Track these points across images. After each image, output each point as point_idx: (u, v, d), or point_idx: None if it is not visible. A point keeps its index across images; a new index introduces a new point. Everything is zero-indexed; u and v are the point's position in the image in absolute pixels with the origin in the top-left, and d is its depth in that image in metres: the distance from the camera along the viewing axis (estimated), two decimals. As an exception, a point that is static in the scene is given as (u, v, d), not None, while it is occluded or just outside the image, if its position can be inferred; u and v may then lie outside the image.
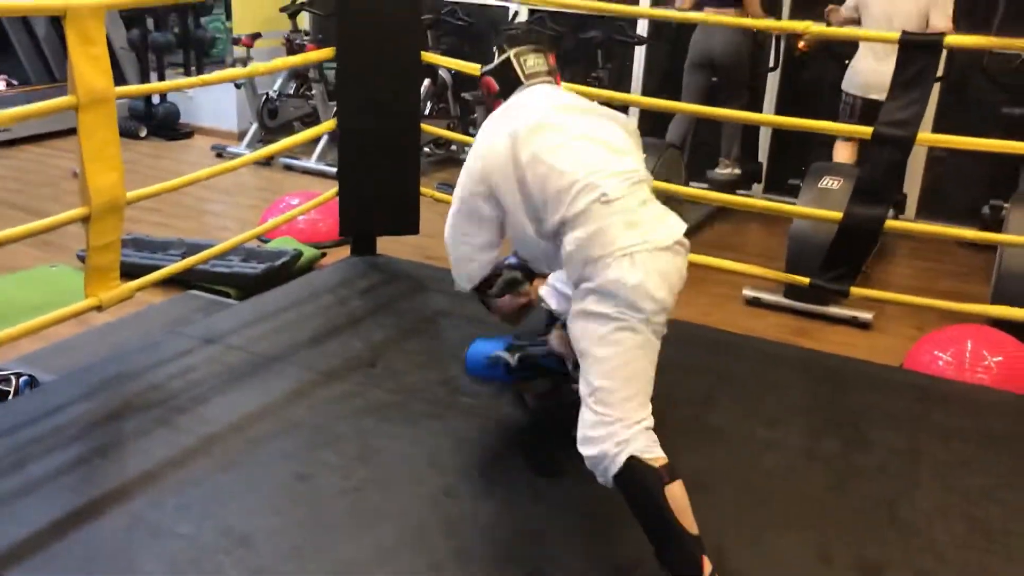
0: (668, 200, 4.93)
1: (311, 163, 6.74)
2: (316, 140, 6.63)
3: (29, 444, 2.64)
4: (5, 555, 2.18)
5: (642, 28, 6.41)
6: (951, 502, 2.61)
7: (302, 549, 2.27)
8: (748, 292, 4.65)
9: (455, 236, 2.55)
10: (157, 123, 7.57)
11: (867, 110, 5.05)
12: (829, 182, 4.51)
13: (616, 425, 2.11)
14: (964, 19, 5.09)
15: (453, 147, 6.93)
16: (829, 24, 5.27)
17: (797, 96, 6.31)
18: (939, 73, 3.74)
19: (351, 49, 4.00)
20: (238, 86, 7.13)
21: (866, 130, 3.56)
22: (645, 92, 6.53)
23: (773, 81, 6.27)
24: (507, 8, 6.78)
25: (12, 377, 3.15)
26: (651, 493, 2.08)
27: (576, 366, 2.30)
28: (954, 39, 3.47)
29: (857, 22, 5.15)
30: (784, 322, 4.46)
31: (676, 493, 2.09)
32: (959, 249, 5.44)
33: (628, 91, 6.48)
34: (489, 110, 2.58)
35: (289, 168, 6.82)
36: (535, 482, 2.60)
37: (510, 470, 2.65)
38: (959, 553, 2.40)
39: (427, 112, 6.57)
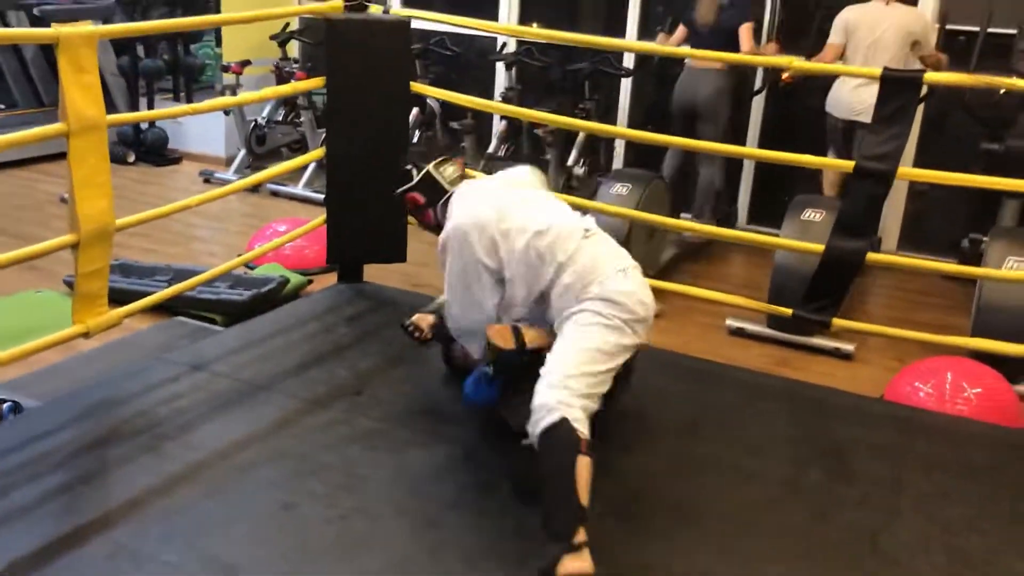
0: (654, 231, 5.04)
1: (298, 189, 6.77)
2: (303, 167, 6.66)
3: (13, 471, 2.63)
4: (-12, 583, 2.18)
5: (628, 60, 6.49)
6: (932, 533, 2.63)
7: (287, 578, 2.27)
8: (732, 322, 4.69)
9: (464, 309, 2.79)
10: (145, 149, 7.58)
11: (849, 131, 5.18)
12: (812, 214, 4.56)
13: (567, 392, 2.38)
14: (944, 54, 5.19)
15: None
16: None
17: (781, 128, 6.39)
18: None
19: (341, 78, 4.04)
20: (227, 112, 7.16)
21: (848, 164, 3.61)
22: (631, 124, 6.61)
23: (757, 113, 6.34)
24: (495, 39, 6.85)
25: (-3, 403, 3.15)
26: (565, 453, 2.32)
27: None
28: (934, 76, 3.55)
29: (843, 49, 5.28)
30: (767, 352, 4.50)
31: (583, 465, 2.32)
32: (940, 281, 5.50)
33: (614, 123, 6.55)
34: (421, 221, 2.91)
35: (276, 194, 6.84)
36: (520, 512, 2.60)
37: (495, 500, 2.65)
38: (940, 584, 2.42)
39: (415, 140, 6.62)
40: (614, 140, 6.61)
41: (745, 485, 2.83)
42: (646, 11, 6.62)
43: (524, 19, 6.96)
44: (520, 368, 2.76)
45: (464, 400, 3.01)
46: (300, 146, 7.40)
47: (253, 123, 7.11)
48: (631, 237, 4.78)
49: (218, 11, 7.42)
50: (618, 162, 6.66)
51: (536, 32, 4.73)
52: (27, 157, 7.04)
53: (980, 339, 3.68)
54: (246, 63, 7.08)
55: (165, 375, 3.27)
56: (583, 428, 2.36)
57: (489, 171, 5.58)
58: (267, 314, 3.98)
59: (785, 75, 5.57)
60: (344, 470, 2.75)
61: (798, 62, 3.62)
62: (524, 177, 2.99)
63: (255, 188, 6.71)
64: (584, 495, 2.30)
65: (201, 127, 7.57)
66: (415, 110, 6.52)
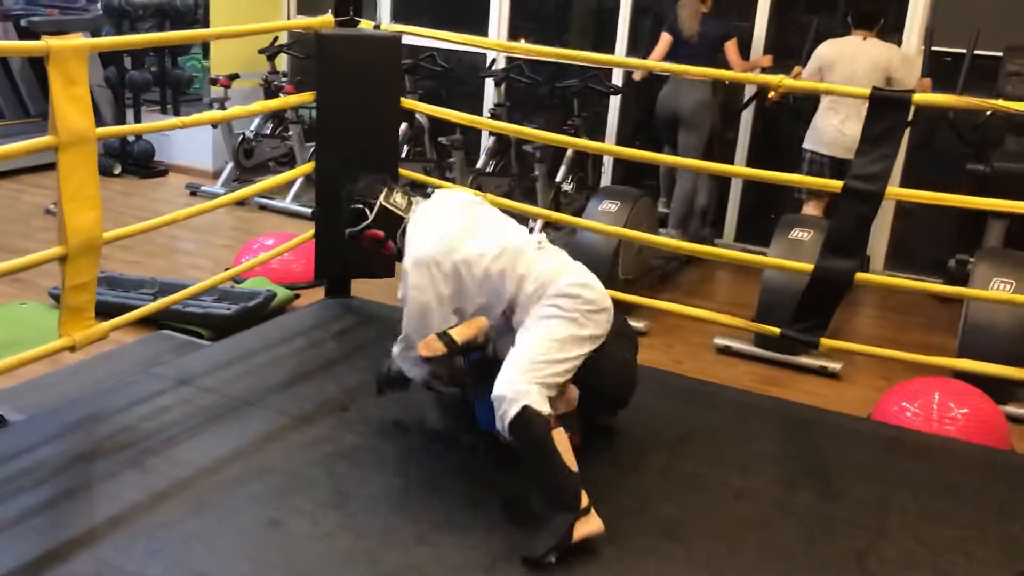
0: (640, 248, 5.04)
1: (286, 203, 6.75)
2: (292, 181, 6.64)
3: (-4, 485, 2.60)
4: (-31, 600, 2.15)
5: (617, 78, 6.52)
6: (919, 554, 2.64)
7: (273, 596, 2.25)
8: (719, 340, 4.69)
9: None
10: (132, 160, 7.55)
11: (835, 168, 5.15)
12: (799, 234, 4.58)
13: (522, 379, 2.51)
14: (931, 76, 5.23)
15: (429, 191, 6.95)
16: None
17: (769, 147, 6.43)
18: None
19: (331, 93, 4.04)
20: (215, 125, 7.14)
21: (836, 184, 3.63)
22: (619, 140, 6.63)
23: (745, 132, 6.37)
24: (484, 56, 6.86)
25: (-20, 416, 3.12)
26: (540, 435, 2.47)
27: None
28: (921, 97, 3.56)
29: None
30: (754, 370, 4.51)
31: (560, 436, 2.49)
32: (926, 301, 5.53)
33: (603, 139, 6.57)
34: (381, 253, 2.94)
35: (264, 208, 6.82)
36: (508, 529, 2.59)
37: (484, 517, 2.64)
38: (928, 605, 2.43)
39: (404, 156, 6.61)
40: (602, 157, 6.63)
41: (734, 504, 2.83)
42: (635, 28, 6.66)
43: (513, 36, 6.99)
44: (481, 368, 2.82)
45: (481, 424, 2.98)
46: (288, 160, 7.38)
47: (241, 136, 7.10)
48: (619, 254, 4.78)
49: (207, 24, 7.43)
50: (606, 179, 6.69)
51: (526, 48, 4.74)
52: (12, 168, 6.99)
53: (967, 360, 3.69)
54: (234, 76, 7.07)
55: (151, 389, 3.25)
56: (545, 408, 2.49)
57: (479, 187, 5.61)
58: (254, 329, 3.97)
59: (771, 95, 5.59)
60: (331, 487, 2.73)
61: (788, 80, 3.63)
62: (466, 199, 3.03)
63: (242, 202, 6.69)
64: (572, 462, 2.48)
65: (188, 140, 7.54)
66: (404, 125, 6.51)
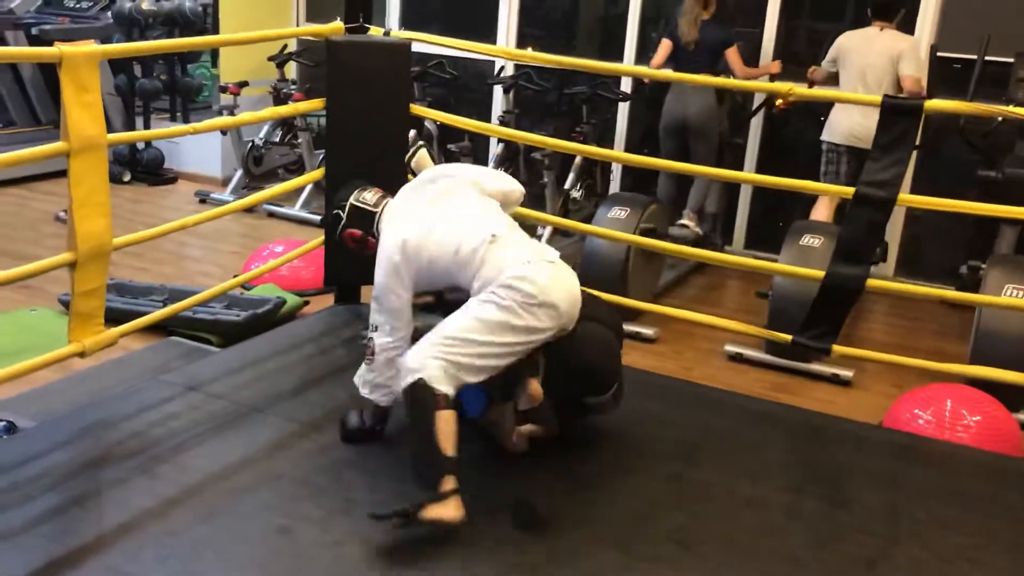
0: (651, 255, 5.03)
1: (295, 210, 6.76)
2: (301, 188, 6.66)
3: (6, 492, 2.60)
4: (-21, 606, 2.15)
5: (626, 85, 6.52)
6: (930, 562, 2.62)
7: (282, 603, 2.25)
8: (730, 348, 4.68)
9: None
10: (141, 168, 7.58)
11: (852, 157, 5.18)
12: (810, 240, 4.56)
13: (428, 356, 2.55)
14: (942, 84, 5.22)
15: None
16: (812, 84, 5.40)
17: (778, 153, 6.41)
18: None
19: (341, 100, 4.04)
20: (224, 133, 7.17)
21: (847, 190, 3.62)
22: (628, 148, 6.63)
23: (754, 138, 6.36)
24: (493, 63, 6.87)
25: (-10, 422, 3.12)
26: (424, 410, 2.51)
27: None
28: (934, 104, 3.55)
29: (836, 76, 5.31)
30: (765, 378, 4.49)
31: (444, 419, 2.51)
32: (937, 308, 5.51)
33: (612, 146, 6.57)
34: (364, 252, 2.99)
35: (272, 215, 6.83)
36: (520, 537, 2.58)
37: (495, 525, 2.63)
38: (941, 614, 2.41)
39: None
40: (611, 164, 6.63)
41: (744, 511, 2.81)
42: (643, 36, 6.66)
43: (521, 43, 7.00)
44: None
45: (470, 413, 2.96)
46: (297, 167, 7.40)
47: (250, 144, 7.12)
48: (629, 261, 4.77)
49: (216, 32, 7.45)
50: (615, 186, 6.69)
51: (534, 56, 4.74)
52: (22, 176, 7.02)
53: (979, 367, 3.67)
54: (244, 84, 7.09)
55: (160, 396, 3.25)
56: (441, 386, 2.52)
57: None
58: (263, 335, 3.96)
59: (779, 102, 5.57)
60: (340, 494, 2.72)
61: (798, 88, 3.63)
62: (436, 189, 3.01)
63: (251, 209, 6.71)
64: (448, 446, 2.49)
65: (197, 147, 7.56)
66: (412, 132, 6.52)
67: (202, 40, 6.70)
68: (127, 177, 7.47)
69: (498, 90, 6.84)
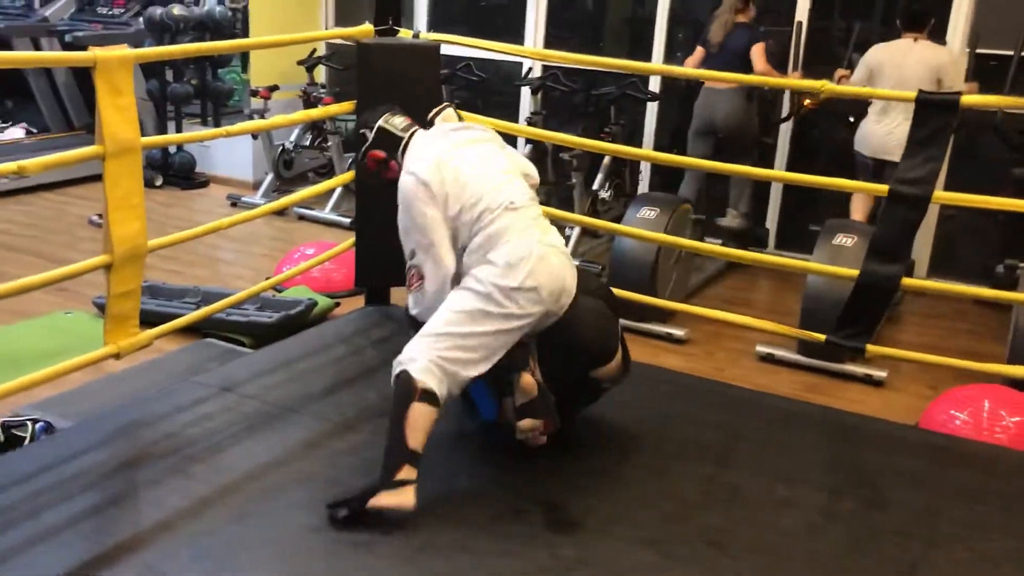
0: (680, 256, 5.01)
1: (325, 213, 6.79)
2: (331, 191, 6.69)
3: (44, 492, 2.63)
4: (18, 604, 2.17)
5: (655, 84, 6.49)
6: (972, 565, 2.58)
7: (317, 603, 2.25)
8: (761, 348, 4.64)
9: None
10: (173, 172, 7.65)
11: (879, 170, 5.10)
12: (843, 239, 4.51)
13: (416, 351, 2.59)
14: (977, 79, 5.15)
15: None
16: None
17: (808, 152, 6.36)
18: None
19: (371, 103, 4.04)
20: (255, 137, 7.22)
21: (881, 188, 3.58)
22: (657, 147, 6.60)
23: (784, 137, 6.31)
24: (519, 64, 6.87)
25: (28, 423, 3.16)
26: (401, 402, 2.55)
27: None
28: (969, 98, 3.50)
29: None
30: (797, 378, 4.45)
31: (417, 412, 2.53)
32: (972, 307, 5.44)
33: (640, 146, 6.55)
34: (387, 177, 2.95)
35: (303, 218, 6.87)
36: (551, 538, 2.57)
37: (526, 525, 2.62)
38: (981, 617, 2.37)
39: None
40: (640, 164, 6.60)
41: (779, 512, 2.78)
42: (672, 35, 6.63)
43: (549, 45, 6.99)
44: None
45: (483, 415, 3.00)
46: (327, 171, 7.43)
47: (281, 147, 7.16)
48: (659, 261, 4.75)
49: (246, 36, 7.51)
50: (644, 186, 6.66)
51: (562, 56, 4.73)
52: (57, 180, 7.11)
53: (1018, 367, 3.62)
54: (274, 88, 7.14)
55: (194, 397, 3.27)
56: (425, 378, 2.54)
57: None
58: (295, 337, 3.98)
59: (807, 101, 5.53)
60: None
61: (831, 85, 3.59)
62: (472, 135, 3.00)
63: (282, 212, 6.74)
64: (413, 439, 2.52)
65: (228, 151, 7.62)
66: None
67: (232, 43, 6.72)
68: (159, 181, 7.54)
69: (526, 92, 6.84)
